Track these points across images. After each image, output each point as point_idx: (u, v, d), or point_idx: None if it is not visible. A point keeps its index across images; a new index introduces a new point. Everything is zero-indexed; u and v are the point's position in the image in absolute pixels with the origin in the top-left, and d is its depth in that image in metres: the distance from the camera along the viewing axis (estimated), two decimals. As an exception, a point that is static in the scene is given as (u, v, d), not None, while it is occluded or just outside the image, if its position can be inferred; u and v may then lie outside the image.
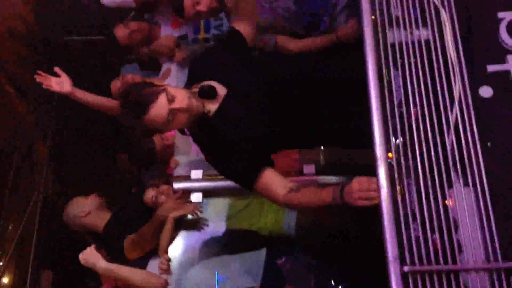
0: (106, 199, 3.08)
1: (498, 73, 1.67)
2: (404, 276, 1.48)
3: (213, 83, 2.10)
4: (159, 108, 1.95)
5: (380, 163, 1.62)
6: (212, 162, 2.18)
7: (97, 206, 2.99)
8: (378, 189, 1.62)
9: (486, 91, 1.65)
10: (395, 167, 1.62)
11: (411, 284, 1.47)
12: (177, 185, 2.96)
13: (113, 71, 3.55)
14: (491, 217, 1.49)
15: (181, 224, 2.94)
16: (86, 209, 2.96)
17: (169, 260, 2.77)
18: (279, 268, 2.79)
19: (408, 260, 1.49)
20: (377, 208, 1.65)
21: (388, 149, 1.65)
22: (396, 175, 1.61)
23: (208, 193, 2.98)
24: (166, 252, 2.81)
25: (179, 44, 3.26)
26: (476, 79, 1.67)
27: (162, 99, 1.96)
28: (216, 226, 3.00)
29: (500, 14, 1.73)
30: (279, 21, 2.78)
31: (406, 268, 1.48)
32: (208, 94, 2.07)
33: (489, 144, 1.58)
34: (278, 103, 2.11)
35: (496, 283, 1.43)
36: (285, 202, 2.02)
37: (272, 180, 2.03)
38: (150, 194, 2.92)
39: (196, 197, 2.97)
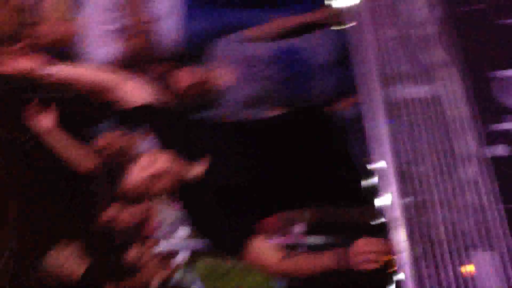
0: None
1: (502, 131, 1.63)
2: None
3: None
4: (138, 172, 1.89)
5: (397, 223, 1.53)
6: (201, 231, 2.09)
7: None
8: (383, 251, 1.57)
9: (500, 149, 1.61)
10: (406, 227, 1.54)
11: None
12: (160, 248, 2.83)
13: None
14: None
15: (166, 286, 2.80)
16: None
17: None
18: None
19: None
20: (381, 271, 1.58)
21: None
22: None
23: (195, 254, 2.84)
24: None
25: None
26: (487, 137, 1.63)
27: (143, 162, 1.91)
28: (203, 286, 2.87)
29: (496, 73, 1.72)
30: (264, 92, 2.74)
31: None
32: (192, 156, 2.01)
33: (507, 203, 1.52)
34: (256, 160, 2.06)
35: None
36: (277, 270, 1.94)
37: (263, 250, 1.94)
38: (134, 251, 2.80)
39: (181, 257, 2.84)
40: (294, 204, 2.37)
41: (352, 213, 2.33)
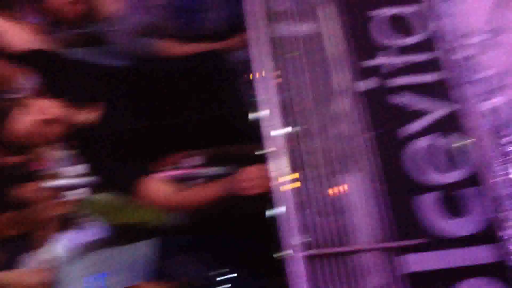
0: None
1: (374, 67, 1.80)
2: (305, 259, 1.55)
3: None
4: (22, 121, 1.86)
5: (279, 151, 1.67)
6: (95, 173, 2.12)
7: None
8: (266, 177, 1.68)
9: (365, 84, 1.77)
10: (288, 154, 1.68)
11: (309, 267, 1.54)
12: (54, 183, 2.79)
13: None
14: (380, 200, 1.62)
15: (61, 222, 2.79)
16: None
17: (49, 259, 2.63)
18: (167, 261, 2.76)
19: (306, 245, 1.57)
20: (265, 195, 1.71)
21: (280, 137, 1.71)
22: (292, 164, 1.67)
23: (90, 190, 2.84)
24: (46, 251, 2.67)
25: None
26: (354, 73, 1.79)
27: (25, 110, 1.87)
28: (97, 221, 2.90)
29: (372, 12, 1.86)
30: (155, 21, 2.70)
31: (305, 253, 1.55)
32: (82, 102, 2.00)
33: (373, 133, 1.71)
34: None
35: (388, 260, 1.56)
36: (168, 205, 2.01)
37: (154, 186, 1.99)
38: (30, 187, 2.74)
39: (76, 194, 2.83)
40: (187, 145, 2.46)
41: (242, 147, 2.42)
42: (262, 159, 1.82)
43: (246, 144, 2.32)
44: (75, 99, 1.99)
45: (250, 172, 1.79)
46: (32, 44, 2.02)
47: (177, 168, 2.76)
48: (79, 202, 2.78)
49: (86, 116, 2.01)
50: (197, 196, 1.97)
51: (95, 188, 2.83)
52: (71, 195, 2.81)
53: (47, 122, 1.88)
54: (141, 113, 2.08)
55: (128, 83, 2.14)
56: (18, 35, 2.03)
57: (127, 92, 2.10)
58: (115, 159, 2.02)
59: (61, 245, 2.81)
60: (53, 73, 2.05)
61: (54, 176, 2.85)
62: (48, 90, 2.05)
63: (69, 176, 2.81)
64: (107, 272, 2.71)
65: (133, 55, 2.54)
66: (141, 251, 2.79)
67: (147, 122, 2.08)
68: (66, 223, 2.82)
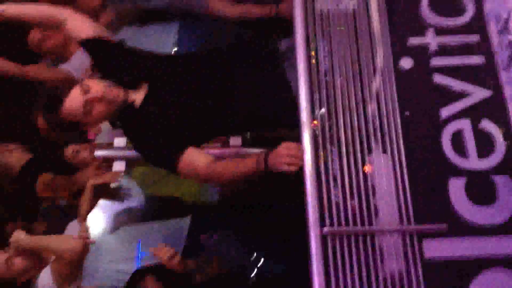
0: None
1: (419, 45, 1.73)
2: (323, 238, 1.53)
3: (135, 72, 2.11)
4: (73, 100, 1.97)
5: (305, 128, 1.65)
6: (139, 150, 2.18)
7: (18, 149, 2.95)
8: (302, 155, 1.66)
9: (406, 62, 1.72)
10: (320, 133, 1.66)
11: (329, 245, 1.52)
12: (99, 153, 2.88)
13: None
14: (406, 182, 1.56)
15: (102, 192, 2.87)
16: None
17: (88, 228, 2.70)
18: (202, 240, 2.79)
19: (327, 223, 1.54)
20: (299, 175, 1.69)
21: (313, 117, 1.69)
22: (320, 142, 1.65)
23: (131, 163, 2.91)
24: (85, 219, 2.75)
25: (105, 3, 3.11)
26: (397, 51, 1.73)
27: (76, 91, 1.98)
28: (138, 194, 2.96)
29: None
30: None
31: (325, 230, 1.53)
32: (130, 83, 2.08)
33: (407, 113, 1.65)
34: (199, 87, 2.12)
35: (408, 243, 1.50)
36: (207, 175, 2.01)
37: (194, 157, 2.02)
38: (70, 149, 2.85)
39: (119, 166, 2.89)
40: (231, 129, 2.48)
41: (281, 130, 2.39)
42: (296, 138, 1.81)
43: (286, 126, 2.32)
44: (123, 80, 2.08)
45: (287, 148, 1.79)
46: (95, 32, 2.14)
47: (218, 147, 2.79)
48: (121, 173, 2.86)
49: (134, 96, 2.09)
50: (237, 168, 1.96)
51: (137, 160, 2.92)
52: (114, 166, 2.90)
53: (95, 100, 1.98)
54: (186, 95, 2.11)
55: (176, 65, 2.19)
56: (83, 24, 2.16)
57: (174, 74, 2.15)
58: (157, 135, 2.06)
59: (100, 214, 2.90)
60: (105, 57, 2.16)
61: (100, 147, 2.95)
62: (99, 71, 2.19)
63: (117, 147, 2.90)
64: (142, 245, 2.77)
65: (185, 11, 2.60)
66: (176, 226, 2.84)
67: (191, 104, 2.10)
68: (106, 192, 2.91)
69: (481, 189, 1.51)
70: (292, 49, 2.23)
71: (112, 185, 2.89)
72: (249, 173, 1.93)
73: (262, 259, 2.58)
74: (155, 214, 2.93)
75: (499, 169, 1.52)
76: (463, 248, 1.45)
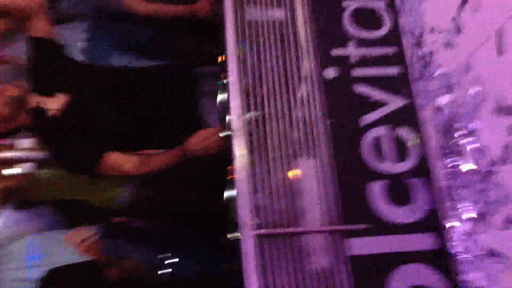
0: None
1: (341, 56, 1.85)
2: (253, 240, 1.59)
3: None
4: None
5: (238, 134, 1.70)
6: (55, 155, 2.25)
7: None
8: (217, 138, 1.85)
9: (330, 73, 1.83)
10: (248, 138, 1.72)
11: (262, 246, 1.58)
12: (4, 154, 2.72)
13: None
14: (333, 186, 1.67)
15: (8, 196, 2.71)
16: None
17: None
18: (114, 241, 2.72)
19: (257, 226, 1.60)
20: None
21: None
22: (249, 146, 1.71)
23: (40, 165, 2.78)
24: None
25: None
26: (322, 61, 1.84)
27: None
28: (46, 198, 2.83)
29: (344, 3, 1.92)
30: None
31: (255, 232, 1.59)
32: (44, 91, 2.13)
33: (330, 120, 1.76)
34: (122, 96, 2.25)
35: (333, 242, 1.61)
36: (138, 171, 2.17)
37: (117, 159, 2.10)
38: None
39: (26, 168, 2.76)
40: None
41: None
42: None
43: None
44: (44, 86, 2.13)
45: (201, 134, 2.05)
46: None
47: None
48: (27, 176, 2.72)
49: (53, 103, 2.13)
50: (159, 161, 2.15)
51: (45, 162, 2.79)
52: (19, 168, 2.75)
53: (7, 103, 2.02)
54: (105, 106, 2.18)
55: (100, 77, 2.29)
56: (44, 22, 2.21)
57: (97, 86, 2.23)
58: (77, 144, 2.12)
59: (6, 219, 2.73)
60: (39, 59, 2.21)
61: (5, 148, 2.78)
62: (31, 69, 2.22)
63: (20, 149, 2.75)
64: (45, 254, 2.65)
65: (98, 8, 2.58)
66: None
67: (109, 115, 2.13)
68: (10, 197, 2.75)
69: (397, 191, 1.66)
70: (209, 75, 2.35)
71: (17, 188, 2.74)
72: (174, 162, 2.14)
73: (176, 259, 2.59)
74: (65, 220, 2.82)
75: (413, 172, 1.68)
76: (383, 245, 1.59)
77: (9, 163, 2.74)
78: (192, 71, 2.46)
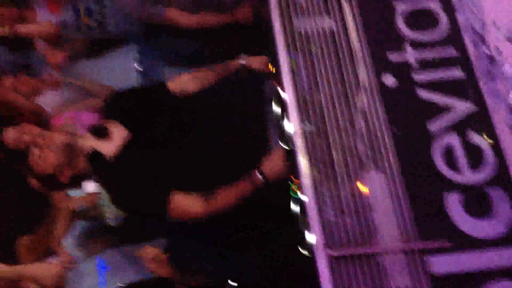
0: None
1: (399, 61, 1.75)
2: (327, 261, 1.55)
3: (113, 123, 2.06)
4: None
5: (301, 149, 1.65)
6: (121, 202, 2.11)
7: None
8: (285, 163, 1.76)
9: (388, 79, 1.73)
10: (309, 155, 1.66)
11: (333, 268, 1.53)
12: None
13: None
14: (403, 200, 1.59)
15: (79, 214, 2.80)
16: None
17: (67, 253, 2.64)
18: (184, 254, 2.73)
19: (330, 245, 1.55)
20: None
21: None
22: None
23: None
24: (60, 245, 2.67)
25: (60, 34, 2.95)
26: (378, 67, 1.75)
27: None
28: (113, 215, 2.89)
29: (395, 3, 1.82)
30: None
31: (330, 253, 1.54)
32: (99, 133, 2.03)
33: (395, 130, 1.68)
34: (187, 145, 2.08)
35: (413, 261, 1.55)
36: (206, 213, 1.98)
37: (183, 198, 1.97)
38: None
39: (90, 187, 2.81)
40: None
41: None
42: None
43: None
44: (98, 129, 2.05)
45: (275, 156, 1.85)
46: None
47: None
48: (93, 196, 2.77)
49: (107, 145, 2.03)
50: (228, 197, 1.95)
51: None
52: (88, 187, 2.79)
53: (59, 149, 1.95)
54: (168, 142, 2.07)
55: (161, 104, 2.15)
56: None
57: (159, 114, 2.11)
58: (141, 186, 2.01)
59: (73, 240, 2.81)
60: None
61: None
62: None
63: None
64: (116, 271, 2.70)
65: (141, 22, 2.54)
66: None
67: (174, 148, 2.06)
68: (78, 217, 2.81)
69: (477, 202, 1.57)
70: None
71: (85, 209, 2.81)
72: (246, 195, 1.93)
73: (241, 272, 2.58)
74: (132, 234, 2.86)
75: (492, 181, 1.58)
76: (467, 262, 1.51)
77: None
78: (259, 86, 2.17)
